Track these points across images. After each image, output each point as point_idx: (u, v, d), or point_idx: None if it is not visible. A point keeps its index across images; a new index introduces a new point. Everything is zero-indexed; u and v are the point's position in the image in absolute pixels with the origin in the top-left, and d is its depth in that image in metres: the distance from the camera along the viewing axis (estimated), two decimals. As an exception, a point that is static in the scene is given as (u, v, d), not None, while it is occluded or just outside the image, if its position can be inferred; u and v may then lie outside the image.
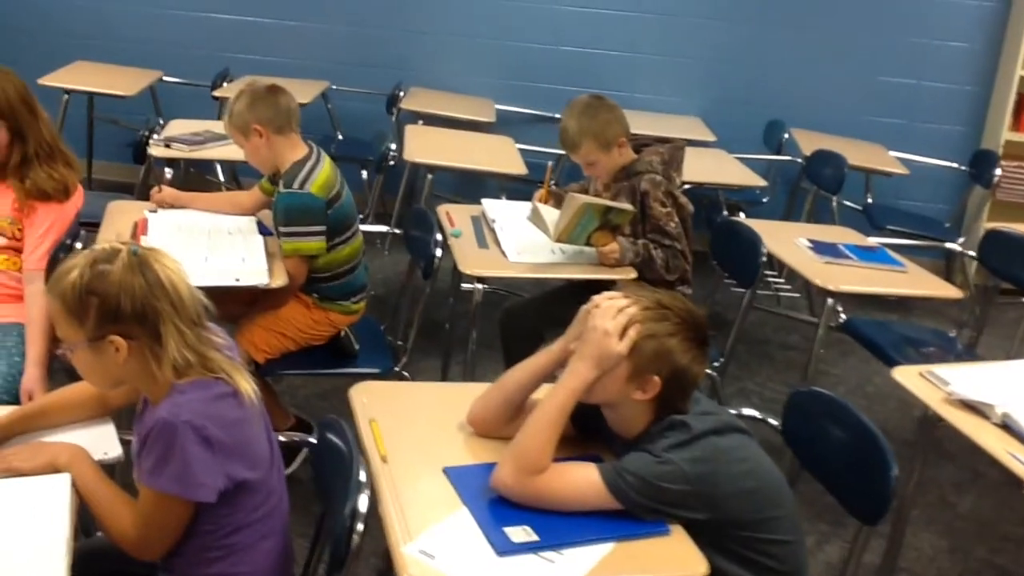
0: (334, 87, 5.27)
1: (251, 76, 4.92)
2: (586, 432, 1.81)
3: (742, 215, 4.19)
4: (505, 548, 1.53)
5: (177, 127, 4.01)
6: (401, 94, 5.14)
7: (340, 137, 5.26)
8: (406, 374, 2.92)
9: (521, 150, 4.32)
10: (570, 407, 1.68)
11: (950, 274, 5.09)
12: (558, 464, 1.66)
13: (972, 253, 4.43)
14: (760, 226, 3.29)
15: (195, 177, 4.55)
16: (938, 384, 2.23)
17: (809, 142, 4.90)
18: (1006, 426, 2.05)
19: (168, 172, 3.76)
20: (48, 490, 1.58)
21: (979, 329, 3.99)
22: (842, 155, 4.58)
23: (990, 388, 2.15)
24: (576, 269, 2.93)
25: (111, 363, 1.59)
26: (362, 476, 1.62)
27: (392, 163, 4.69)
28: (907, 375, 2.31)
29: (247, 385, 1.63)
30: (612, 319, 1.66)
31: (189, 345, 1.59)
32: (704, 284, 3.79)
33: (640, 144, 3.07)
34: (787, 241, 3.34)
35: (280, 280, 2.61)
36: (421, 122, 4.82)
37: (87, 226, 2.70)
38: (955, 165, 5.20)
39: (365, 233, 2.99)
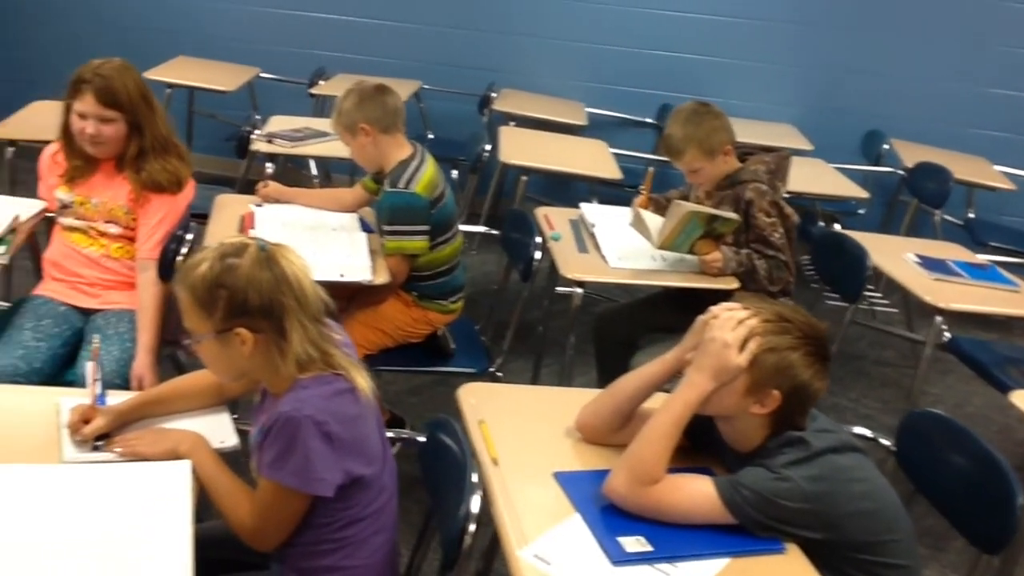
0: (426, 87, 5.32)
1: (345, 74, 5.02)
2: (699, 444, 1.79)
3: (837, 226, 4.09)
4: (620, 557, 1.52)
5: (278, 123, 4.09)
6: (493, 95, 5.17)
7: (431, 136, 5.30)
8: (500, 375, 2.91)
9: (612, 154, 4.30)
10: (686, 418, 1.66)
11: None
12: (672, 475, 1.63)
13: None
14: (864, 239, 3.22)
15: (291, 172, 4.62)
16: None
17: (911, 154, 4.78)
18: None
19: (269, 167, 3.83)
20: (170, 476, 1.62)
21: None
22: (947, 168, 4.46)
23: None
24: (677, 277, 2.90)
25: (236, 355, 1.62)
26: (474, 477, 1.62)
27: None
28: (1026, 400, 2.22)
29: (364, 382, 1.65)
30: (732, 331, 1.63)
31: (311, 340, 1.61)
32: (799, 295, 3.71)
33: (745, 152, 3.02)
34: (892, 255, 3.26)
35: (382, 277, 2.63)
36: (513, 124, 4.83)
37: (196, 217, 2.76)
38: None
39: (457, 233, 3.00)
